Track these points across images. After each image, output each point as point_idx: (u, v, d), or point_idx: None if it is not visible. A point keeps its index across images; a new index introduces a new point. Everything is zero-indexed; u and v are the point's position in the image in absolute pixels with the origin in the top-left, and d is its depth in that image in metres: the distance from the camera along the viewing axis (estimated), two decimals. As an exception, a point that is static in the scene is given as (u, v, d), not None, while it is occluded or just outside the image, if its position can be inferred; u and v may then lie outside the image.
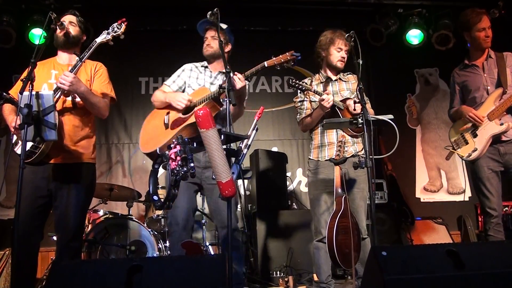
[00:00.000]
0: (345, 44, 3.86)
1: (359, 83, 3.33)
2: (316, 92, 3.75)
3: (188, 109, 3.57)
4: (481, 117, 3.80)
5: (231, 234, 3.49)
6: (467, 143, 3.92)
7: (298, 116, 4.03)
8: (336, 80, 4.00)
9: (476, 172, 3.87)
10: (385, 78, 7.11)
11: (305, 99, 3.96)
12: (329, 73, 4.01)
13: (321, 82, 3.99)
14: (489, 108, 3.82)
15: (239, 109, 3.71)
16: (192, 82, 3.83)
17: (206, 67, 3.89)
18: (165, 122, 3.68)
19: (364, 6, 6.83)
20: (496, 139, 3.80)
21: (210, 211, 3.82)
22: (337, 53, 3.92)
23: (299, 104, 4.02)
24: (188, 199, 3.58)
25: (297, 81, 3.76)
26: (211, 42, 3.80)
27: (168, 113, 3.71)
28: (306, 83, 3.82)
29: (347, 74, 4.07)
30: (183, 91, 3.86)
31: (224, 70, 3.77)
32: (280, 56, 3.40)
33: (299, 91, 3.93)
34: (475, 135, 3.86)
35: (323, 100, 3.64)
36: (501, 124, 3.76)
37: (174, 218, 3.58)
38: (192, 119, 3.43)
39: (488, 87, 3.89)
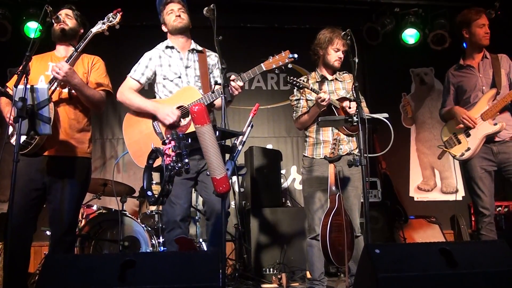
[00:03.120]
0: (343, 45, 3.86)
1: (354, 81, 3.33)
2: (313, 90, 3.75)
3: (185, 114, 3.44)
4: (475, 120, 3.81)
5: (221, 223, 3.50)
6: (459, 142, 3.93)
7: (294, 114, 4.03)
8: (332, 80, 4.00)
9: (469, 171, 3.88)
10: (380, 76, 7.12)
11: (301, 97, 3.96)
12: (325, 72, 4.01)
13: (317, 81, 3.99)
14: (482, 108, 3.84)
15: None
16: (166, 71, 3.60)
17: (172, 47, 3.67)
18: (158, 131, 3.48)
19: (360, 5, 6.85)
20: (490, 139, 3.82)
21: (203, 200, 3.73)
22: (335, 53, 3.92)
23: (295, 102, 4.01)
24: (186, 196, 3.50)
25: (295, 78, 3.75)
26: (181, 14, 3.61)
27: (155, 119, 3.50)
28: (303, 81, 3.82)
29: (343, 73, 4.07)
30: (153, 82, 3.67)
31: (192, 48, 3.68)
32: (277, 57, 3.35)
33: (295, 89, 3.93)
34: (468, 135, 3.87)
35: (319, 98, 3.64)
36: (495, 124, 3.77)
37: (172, 215, 3.46)
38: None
39: (483, 88, 3.91)
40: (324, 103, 3.65)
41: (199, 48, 3.74)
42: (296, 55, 3.38)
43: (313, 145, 3.93)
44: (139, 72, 3.65)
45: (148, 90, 3.90)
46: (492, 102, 3.82)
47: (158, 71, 3.64)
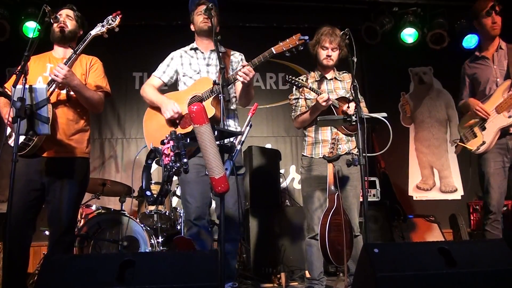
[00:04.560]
0: (330, 42, 3.86)
1: (353, 81, 3.33)
2: (312, 89, 3.75)
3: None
4: (488, 111, 3.74)
5: (233, 227, 3.50)
6: (475, 136, 3.86)
7: (293, 114, 4.02)
8: (331, 79, 4.00)
9: (482, 165, 3.82)
10: (379, 76, 7.12)
11: (300, 96, 3.96)
12: (324, 72, 4.01)
13: (316, 80, 3.99)
14: (497, 100, 3.76)
15: (249, 95, 3.66)
16: (186, 69, 3.72)
17: (196, 48, 3.77)
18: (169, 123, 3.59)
19: (359, 4, 6.85)
20: (505, 132, 3.74)
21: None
22: (323, 52, 3.91)
23: (294, 101, 4.01)
24: (200, 194, 3.49)
25: (293, 78, 3.74)
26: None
27: None
28: (302, 80, 3.82)
29: (343, 73, 4.07)
30: (176, 80, 3.79)
31: (214, 48, 3.64)
32: (288, 40, 3.31)
33: (294, 88, 3.93)
34: (483, 128, 3.80)
35: (321, 98, 3.63)
36: (509, 117, 3.69)
37: (187, 215, 3.53)
38: None
39: (498, 80, 3.83)
40: (325, 104, 3.65)
41: (223, 49, 3.77)
42: (307, 37, 3.32)
43: (312, 145, 3.93)
44: (161, 70, 3.79)
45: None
46: (507, 94, 3.73)
47: (179, 70, 3.77)
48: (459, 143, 4.03)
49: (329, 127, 3.89)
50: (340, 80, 4.01)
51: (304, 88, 3.80)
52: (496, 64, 3.88)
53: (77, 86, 3.29)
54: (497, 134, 3.75)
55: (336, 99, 3.80)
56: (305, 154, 3.97)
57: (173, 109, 3.48)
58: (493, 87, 3.84)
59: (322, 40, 3.89)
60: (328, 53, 3.89)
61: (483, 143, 3.78)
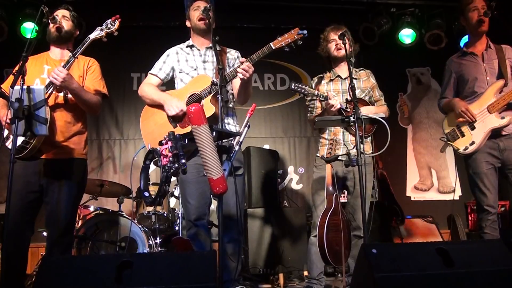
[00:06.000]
0: (336, 34, 3.88)
1: (351, 82, 3.33)
2: (318, 96, 3.76)
3: (197, 100, 3.46)
4: (474, 115, 3.64)
5: (234, 227, 3.49)
6: (463, 135, 3.72)
7: (308, 115, 4.09)
8: (346, 78, 3.98)
9: (473, 167, 3.69)
10: (377, 76, 6.99)
11: (314, 98, 3.97)
12: (339, 71, 4.02)
13: (331, 80, 4.01)
14: (488, 100, 3.66)
15: (248, 93, 3.63)
16: (182, 66, 3.67)
17: (192, 46, 3.72)
18: (171, 120, 3.52)
19: (357, 5, 6.84)
20: (496, 134, 3.64)
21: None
22: (332, 44, 3.95)
23: (309, 102, 4.06)
24: (199, 195, 3.46)
25: (299, 85, 3.74)
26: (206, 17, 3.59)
27: None
28: (311, 85, 3.85)
29: (360, 70, 4.07)
30: (172, 77, 3.75)
31: (211, 45, 3.64)
32: (286, 35, 3.26)
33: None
34: (472, 128, 3.67)
35: (328, 104, 3.68)
36: (502, 118, 3.60)
37: (187, 215, 3.51)
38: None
39: (488, 78, 3.72)
40: (333, 109, 3.68)
41: (218, 47, 3.69)
42: (305, 32, 3.26)
43: (325, 145, 3.95)
44: (157, 68, 3.74)
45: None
46: (499, 94, 3.63)
47: (175, 66, 3.71)
48: (445, 142, 3.87)
49: (342, 130, 3.89)
50: (356, 78, 3.98)
51: (314, 92, 3.80)
52: (486, 62, 3.78)
53: (75, 89, 3.28)
54: (488, 135, 3.64)
55: (346, 102, 3.80)
56: (318, 155, 4.02)
57: (178, 106, 3.42)
58: (482, 86, 3.73)
59: (329, 35, 3.94)
60: (336, 42, 3.91)
61: (473, 143, 3.66)
